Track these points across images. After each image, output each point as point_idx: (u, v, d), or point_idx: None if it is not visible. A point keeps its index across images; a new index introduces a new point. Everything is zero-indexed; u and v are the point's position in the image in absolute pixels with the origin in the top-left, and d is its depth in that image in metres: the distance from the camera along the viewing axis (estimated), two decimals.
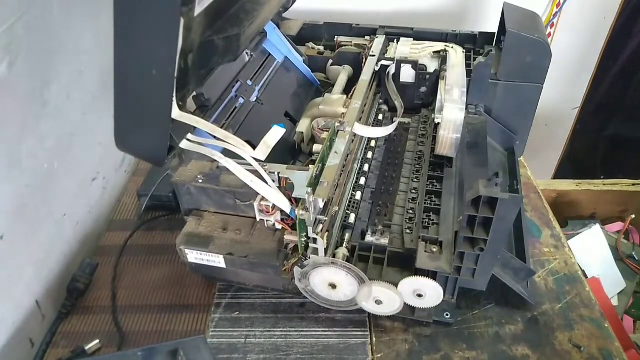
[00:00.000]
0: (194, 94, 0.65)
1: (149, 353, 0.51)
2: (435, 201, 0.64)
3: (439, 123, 0.68)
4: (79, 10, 0.70)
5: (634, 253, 1.23)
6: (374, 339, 0.62)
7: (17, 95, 0.59)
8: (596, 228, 1.20)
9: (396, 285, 0.56)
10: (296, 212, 0.53)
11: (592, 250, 1.18)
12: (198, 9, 0.44)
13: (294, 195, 0.53)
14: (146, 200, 0.79)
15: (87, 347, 0.61)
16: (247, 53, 0.77)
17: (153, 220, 0.79)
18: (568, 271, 0.71)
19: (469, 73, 0.74)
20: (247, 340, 0.62)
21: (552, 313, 0.65)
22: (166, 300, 0.68)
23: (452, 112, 0.66)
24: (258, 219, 0.58)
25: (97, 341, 0.62)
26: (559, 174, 1.42)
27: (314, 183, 0.54)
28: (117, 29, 0.38)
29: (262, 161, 0.54)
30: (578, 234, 1.19)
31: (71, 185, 0.73)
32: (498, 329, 0.63)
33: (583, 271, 0.72)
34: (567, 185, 1.25)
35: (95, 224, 0.80)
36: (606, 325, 0.63)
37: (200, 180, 0.59)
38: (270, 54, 0.82)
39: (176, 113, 0.47)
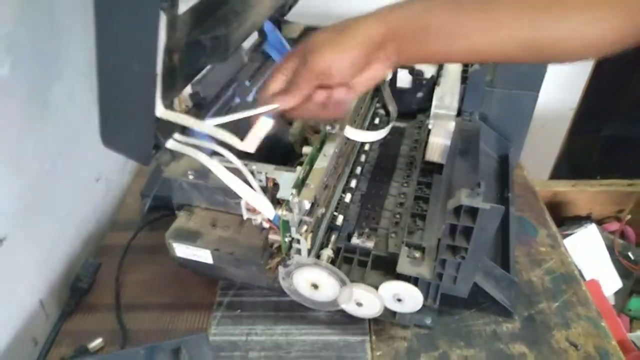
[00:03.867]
0: (190, 92, 0.66)
1: (152, 351, 0.52)
2: (422, 207, 0.64)
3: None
4: (81, 10, 0.71)
5: (629, 252, 1.24)
6: (373, 337, 0.63)
7: (20, 95, 0.60)
8: (592, 227, 1.21)
9: (377, 288, 0.57)
10: (279, 213, 0.53)
11: (588, 250, 1.19)
12: (183, 7, 0.44)
13: (278, 196, 0.53)
14: (149, 200, 0.79)
15: (90, 346, 0.62)
16: (245, 54, 0.78)
17: (156, 220, 0.80)
18: (564, 270, 0.72)
19: (465, 80, 0.74)
20: (249, 338, 0.63)
21: (548, 312, 0.66)
22: (169, 299, 0.69)
23: (442, 119, 0.67)
24: (245, 217, 0.59)
25: (100, 340, 0.63)
26: (556, 174, 1.43)
27: (300, 185, 0.55)
28: (98, 22, 0.38)
29: (250, 161, 0.55)
30: (574, 233, 1.20)
31: (74, 185, 0.73)
32: (495, 327, 0.64)
33: (579, 270, 0.73)
34: (563, 185, 1.26)
35: (98, 224, 0.81)
36: (602, 324, 0.64)
37: (191, 176, 0.60)
38: (269, 56, 0.83)
39: (160, 111, 0.46)
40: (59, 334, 0.65)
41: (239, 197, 0.58)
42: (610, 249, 1.22)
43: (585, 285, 0.70)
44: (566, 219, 1.28)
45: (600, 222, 1.29)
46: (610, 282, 1.18)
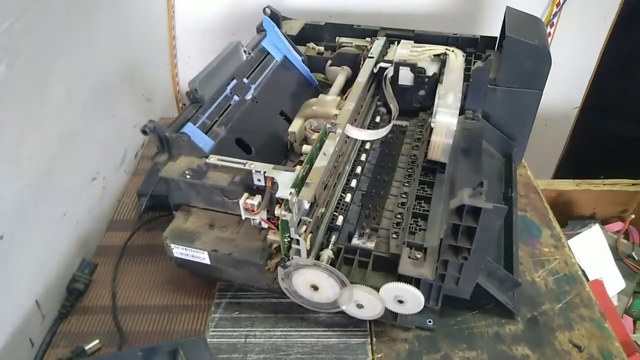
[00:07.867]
0: (187, 89, 0.66)
1: (149, 353, 0.51)
2: (424, 207, 0.63)
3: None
4: (79, 10, 0.70)
5: (633, 253, 1.23)
6: (374, 339, 0.62)
7: (17, 95, 0.59)
8: (596, 228, 1.20)
9: (378, 289, 0.56)
10: (278, 212, 0.53)
11: (591, 250, 1.18)
12: None
13: (277, 196, 0.53)
14: (146, 200, 0.79)
15: (87, 347, 0.61)
16: (245, 51, 0.77)
17: (153, 220, 0.79)
18: (568, 271, 0.71)
19: (467, 77, 0.73)
20: (247, 340, 0.62)
21: (552, 313, 0.65)
22: (166, 300, 0.68)
23: (444, 117, 0.66)
24: (243, 217, 0.58)
25: (97, 341, 0.62)
26: (559, 174, 1.42)
27: (300, 184, 0.54)
28: None
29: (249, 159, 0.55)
30: (578, 233, 1.19)
31: (71, 185, 0.73)
32: (498, 328, 0.63)
33: (583, 271, 0.72)
34: (567, 185, 1.25)
35: (95, 224, 0.80)
36: (606, 325, 0.63)
37: (188, 176, 0.59)
38: (268, 53, 0.82)
39: None
40: (55, 335, 0.64)
41: (237, 197, 0.57)
42: (614, 249, 1.21)
43: (589, 286, 0.69)
44: (570, 219, 1.27)
45: (604, 222, 1.27)
46: (614, 283, 1.17)
